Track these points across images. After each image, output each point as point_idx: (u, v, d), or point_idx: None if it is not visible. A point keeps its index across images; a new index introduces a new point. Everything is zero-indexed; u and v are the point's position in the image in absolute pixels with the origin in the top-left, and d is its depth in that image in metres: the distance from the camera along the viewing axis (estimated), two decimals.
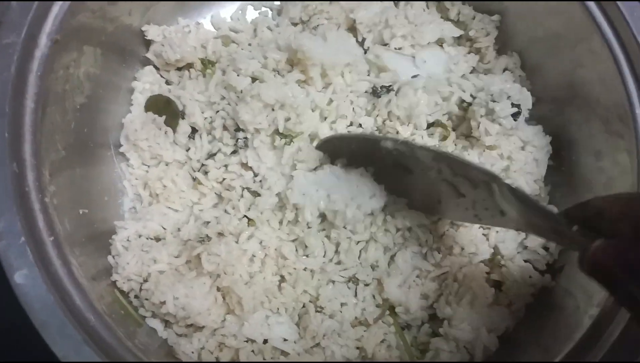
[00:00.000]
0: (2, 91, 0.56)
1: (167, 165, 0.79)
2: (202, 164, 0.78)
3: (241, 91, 0.75)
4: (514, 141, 0.78)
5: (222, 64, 0.81)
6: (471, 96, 0.77)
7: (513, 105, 0.75)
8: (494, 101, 0.73)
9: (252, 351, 0.70)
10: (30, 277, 0.50)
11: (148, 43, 0.82)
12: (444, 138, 0.78)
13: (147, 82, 0.81)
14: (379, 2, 0.87)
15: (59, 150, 0.63)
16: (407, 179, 0.69)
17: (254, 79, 0.76)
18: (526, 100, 0.77)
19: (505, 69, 0.87)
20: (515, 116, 0.76)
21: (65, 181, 0.62)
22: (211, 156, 0.78)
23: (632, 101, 0.69)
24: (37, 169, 0.57)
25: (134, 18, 0.79)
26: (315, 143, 0.75)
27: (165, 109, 0.79)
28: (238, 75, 0.77)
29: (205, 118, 0.79)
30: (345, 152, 0.73)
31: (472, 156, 0.76)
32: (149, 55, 0.82)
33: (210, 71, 0.82)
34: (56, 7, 0.61)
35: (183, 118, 0.80)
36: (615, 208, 0.52)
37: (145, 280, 0.70)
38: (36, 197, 0.55)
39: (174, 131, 0.79)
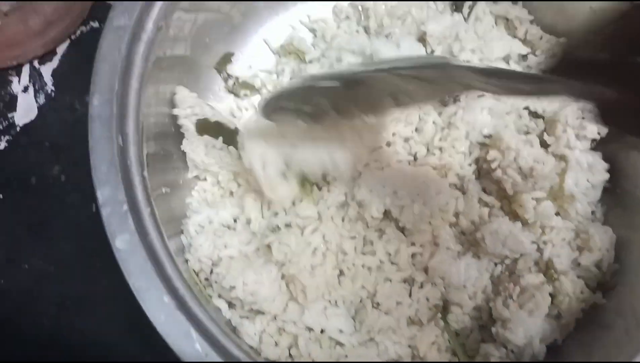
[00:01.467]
0: (114, 70, 0.60)
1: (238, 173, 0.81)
2: None
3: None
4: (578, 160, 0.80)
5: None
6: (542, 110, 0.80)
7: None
8: (583, 118, 0.76)
9: (310, 339, 0.73)
10: (131, 243, 0.54)
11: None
12: None
13: (187, 107, 0.78)
14: (449, 16, 0.91)
15: (153, 131, 0.67)
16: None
17: None
18: (603, 130, 0.79)
19: None
20: (593, 140, 0.80)
21: (155, 160, 0.66)
22: None
23: None
24: (138, 145, 0.61)
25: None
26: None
27: (218, 131, 0.80)
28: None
29: None
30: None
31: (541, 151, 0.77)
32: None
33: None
34: None
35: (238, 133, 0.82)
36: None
37: (215, 264, 0.73)
38: (137, 170, 0.59)
39: (236, 147, 0.80)
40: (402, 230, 0.78)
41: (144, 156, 0.62)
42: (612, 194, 0.84)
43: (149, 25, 0.64)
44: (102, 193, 0.55)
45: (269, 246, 0.73)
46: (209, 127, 0.78)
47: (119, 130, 0.59)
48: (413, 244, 0.77)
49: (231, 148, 0.79)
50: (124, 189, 0.56)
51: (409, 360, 0.74)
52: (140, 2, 0.63)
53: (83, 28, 0.94)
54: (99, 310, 0.79)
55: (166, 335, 0.52)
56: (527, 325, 0.72)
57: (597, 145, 0.83)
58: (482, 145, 0.83)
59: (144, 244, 0.55)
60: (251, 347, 0.69)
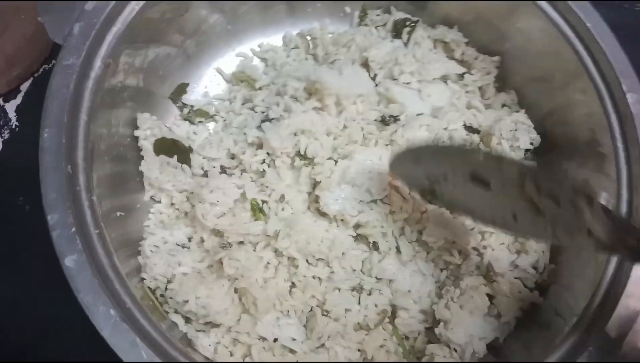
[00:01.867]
0: (62, 105, 0.65)
1: (191, 193, 0.85)
2: None
3: (270, 120, 0.84)
4: None
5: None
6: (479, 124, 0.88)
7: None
8: (516, 130, 0.82)
9: (263, 348, 0.77)
10: (78, 262, 0.58)
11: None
12: None
13: (147, 129, 0.84)
14: (389, 42, 0.97)
15: (104, 159, 0.72)
16: (481, 193, 0.66)
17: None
18: (536, 139, 0.86)
19: (503, 105, 0.96)
20: (527, 151, 0.87)
21: (107, 186, 0.71)
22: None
23: (613, 134, 0.77)
24: (87, 173, 0.66)
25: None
26: (390, 160, 0.74)
27: (173, 149, 0.85)
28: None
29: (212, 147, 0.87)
30: (419, 172, 0.71)
31: None
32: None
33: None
34: (110, 35, 0.71)
35: (192, 152, 0.87)
36: None
37: (170, 281, 0.77)
38: (85, 196, 0.64)
39: (189, 165, 0.86)
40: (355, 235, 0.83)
41: (94, 182, 0.66)
42: None
43: (97, 63, 0.70)
44: (52, 218, 0.60)
45: (220, 262, 0.77)
46: (165, 146, 0.84)
47: (68, 160, 0.63)
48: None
49: (185, 166, 0.84)
50: (72, 213, 0.61)
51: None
52: (88, 42, 0.68)
53: (45, 66, 0.99)
54: (70, 333, 0.82)
55: (113, 345, 0.56)
56: (467, 325, 0.77)
57: (533, 155, 0.90)
58: None
59: (92, 263, 0.59)
60: (206, 358, 0.73)
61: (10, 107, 0.96)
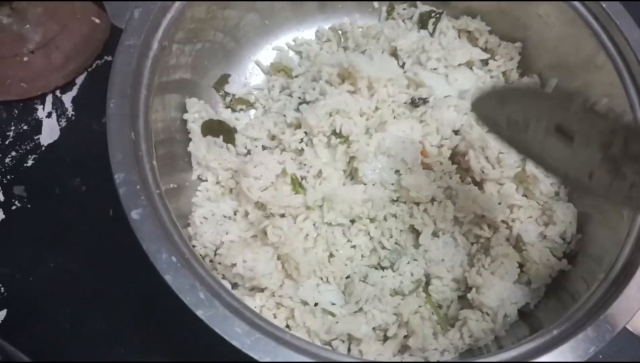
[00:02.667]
0: (125, 79, 0.72)
1: (235, 171, 0.91)
2: None
3: (307, 103, 0.91)
4: None
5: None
6: None
7: None
8: None
9: (305, 311, 0.81)
10: (143, 215, 0.64)
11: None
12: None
13: (195, 112, 0.91)
14: (416, 32, 1.04)
15: (159, 133, 0.78)
16: (560, 146, 0.62)
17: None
18: None
19: None
20: None
21: (163, 157, 0.77)
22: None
23: (634, 107, 0.81)
24: (147, 141, 0.72)
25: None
26: (473, 98, 0.71)
27: (219, 130, 0.93)
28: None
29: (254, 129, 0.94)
30: (501, 115, 0.66)
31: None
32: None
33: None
34: (165, 21, 0.79)
35: (237, 132, 0.95)
36: None
37: (218, 248, 0.83)
38: (147, 160, 0.70)
39: (234, 145, 0.94)
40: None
41: (153, 149, 0.73)
42: None
43: (154, 44, 0.77)
44: (119, 176, 0.66)
45: (264, 232, 0.82)
46: (212, 127, 0.91)
47: (131, 127, 0.70)
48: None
49: (230, 145, 0.90)
50: (137, 173, 0.67)
51: (395, 328, 0.81)
52: (147, 25, 0.76)
53: (98, 62, 1.07)
54: (114, 303, 0.89)
55: (175, 288, 0.61)
56: (498, 289, 0.81)
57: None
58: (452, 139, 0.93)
59: (154, 216, 0.65)
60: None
61: (67, 99, 1.04)
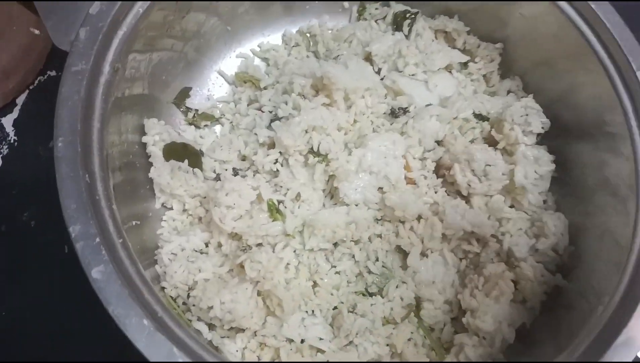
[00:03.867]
0: (74, 112, 0.63)
1: (204, 197, 0.83)
2: None
3: (280, 119, 0.83)
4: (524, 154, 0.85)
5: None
6: (487, 112, 0.87)
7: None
8: (527, 115, 0.82)
9: (291, 349, 0.75)
10: (106, 273, 0.56)
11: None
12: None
13: (155, 134, 0.84)
14: (391, 35, 0.97)
15: (115, 159, 0.70)
16: None
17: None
18: (547, 123, 0.86)
19: (509, 92, 0.96)
20: (538, 135, 0.86)
21: (121, 185, 0.69)
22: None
23: (627, 113, 0.78)
24: (105, 181, 0.63)
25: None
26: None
27: (184, 153, 0.84)
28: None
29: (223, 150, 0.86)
30: None
31: (490, 152, 0.83)
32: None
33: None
34: (117, 39, 0.69)
35: (203, 155, 0.87)
36: None
37: (192, 288, 0.75)
38: (105, 204, 0.62)
39: (201, 169, 0.85)
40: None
41: (111, 189, 0.64)
42: (563, 183, 0.90)
43: (106, 68, 0.68)
44: (74, 229, 0.57)
45: (241, 266, 0.75)
46: (175, 151, 0.83)
47: (85, 168, 0.61)
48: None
49: (197, 170, 0.82)
50: (94, 223, 0.58)
51: (388, 360, 0.76)
52: (95, 47, 0.66)
53: (41, 77, 0.97)
54: (80, 346, 0.80)
55: (150, 356, 0.54)
56: (495, 312, 0.77)
57: (543, 140, 0.90)
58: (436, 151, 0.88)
59: (119, 273, 0.57)
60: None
61: (7, 122, 0.93)
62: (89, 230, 0.58)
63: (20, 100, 0.95)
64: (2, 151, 0.91)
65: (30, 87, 0.96)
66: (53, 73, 0.97)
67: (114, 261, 0.58)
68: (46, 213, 0.87)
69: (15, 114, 0.94)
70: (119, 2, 0.69)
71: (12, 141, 0.92)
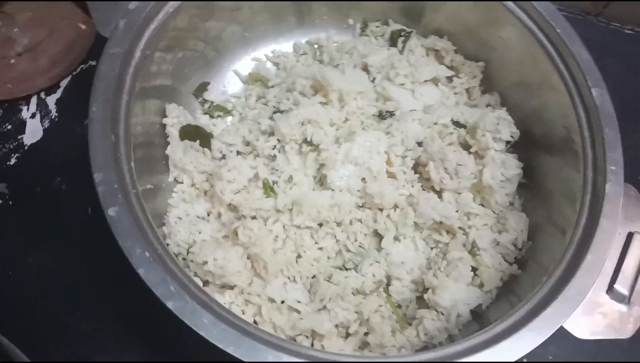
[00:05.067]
0: (108, 85, 0.77)
1: (210, 174, 0.96)
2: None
3: (281, 112, 0.96)
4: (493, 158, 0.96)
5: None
6: (465, 121, 0.99)
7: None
8: (498, 124, 0.93)
9: (272, 308, 0.86)
10: (119, 212, 0.69)
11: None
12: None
13: (174, 117, 0.96)
14: (386, 50, 1.10)
15: (139, 136, 0.83)
16: None
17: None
18: (516, 133, 0.97)
19: (487, 105, 1.08)
20: (507, 143, 0.97)
21: (141, 159, 0.82)
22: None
23: (580, 123, 0.88)
24: (126, 143, 0.77)
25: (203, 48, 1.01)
26: None
27: (197, 134, 0.97)
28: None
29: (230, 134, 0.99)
30: None
31: (462, 154, 0.94)
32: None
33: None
34: (148, 31, 0.84)
35: (213, 138, 1.00)
36: None
37: (191, 246, 0.88)
38: (125, 161, 0.75)
39: (210, 149, 0.98)
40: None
41: (132, 151, 0.77)
42: (529, 189, 1.00)
43: (137, 53, 0.82)
44: (98, 176, 0.71)
45: (235, 232, 0.87)
46: (189, 132, 0.96)
47: (112, 130, 0.75)
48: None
49: (206, 149, 0.95)
50: (114, 173, 0.72)
51: (356, 326, 0.86)
52: (130, 35, 0.81)
53: (83, 66, 1.12)
54: (90, 299, 0.93)
55: (147, 281, 0.66)
56: (452, 291, 0.87)
57: (515, 149, 1.00)
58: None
59: (130, 214, 0.70)
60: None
61: (51, 100, 1.08)
62: (110, 178, 0.71)
63: (63, 83, 1.10)
64: (44, 124, 1.06)
65: (73, 73, 1.11)
66: (94, 63, 1.12)
67: (127, 204, 0.70)
68: (75, 179, 1.01)
69: (58, 94, 1.09)
70: (153, 2, 0.84)
71: (53, 117, 1.07)
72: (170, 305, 0.65)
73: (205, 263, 0.84)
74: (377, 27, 1.15)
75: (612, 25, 1.33)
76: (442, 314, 0.87)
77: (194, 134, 0.96)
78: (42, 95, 1.09)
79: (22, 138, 1.04)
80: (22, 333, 0.88)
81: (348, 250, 0.92)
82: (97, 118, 0.74)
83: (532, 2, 0.95)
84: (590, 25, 1.32)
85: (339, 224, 0.93)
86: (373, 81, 1.06)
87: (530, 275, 0.91)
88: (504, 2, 0.99)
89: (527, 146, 1.01)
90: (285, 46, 1.15)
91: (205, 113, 1.05)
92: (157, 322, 0.88)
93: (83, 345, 0.90)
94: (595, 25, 1.33)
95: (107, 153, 0.73)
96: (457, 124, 1.01)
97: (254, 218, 0.91)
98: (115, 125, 0.76)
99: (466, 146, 1.00)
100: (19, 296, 0.92)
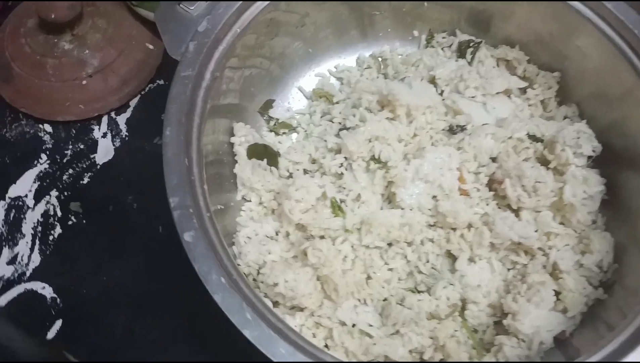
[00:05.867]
0: (180, 108, 0.77)
1: (278, 193, 0.95)
2: None
3: (347, 129, 0.94)
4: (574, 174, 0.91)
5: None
6: (542, 134, 0.95)
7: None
8: (578, 138, 0.89)
9: (343, 331, 0.84)
10: (195, 237, 0.69)
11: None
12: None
13: (242, 136, 0.96)
14: (454, 61, 1.06)
15: (208, 155, 0.83)
16: None
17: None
18: (598, 147, 0.92)
19: (565, 117, 1.02)
20: (589, 157, 0.92)
21: (211, 177, 0.82)
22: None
23: None
24: (199, 165, 0.77)
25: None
26: None
27: (264, 153, 0.97)
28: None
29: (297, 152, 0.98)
30: None
31: (541, 170, 0.89)
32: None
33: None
34: (217, 53, 0.84)
35: (280, 156, 0.99)
36: None
37: (261, 267, 0.87)
38: (198, 184, 0.75)
39: (277, 168, 0.97)
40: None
41: (204, 174, 0.78)
42: (613, 206, 0.94)
43: (207, 75, 0.83)
44: (174, 200, 0.71)
45: (305, 252, 0.86)
46: (257, 151, 0.96)
47: (185, 153, 0.75)
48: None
49: (273, 168, 0.95)
50: (189, 197, 0.72)
51: (431, 352, 0.83)
52: (200, 58, 0.81)
53: (151, 85, 1.14)
54: (165, 313, 0.93)
55: (224, 307, 0.65)
56: (534, 316, 0.82)
57: (595, 165, 0.95)
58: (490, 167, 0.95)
59: (205, 238, 0.70)
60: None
61: (121, 120, 1.10)
62: (185, 202, 0.71)
63: (133, 103, 1.12)
64: (115, 143, 1.08)
65: (142, 93, 1.13)
66: (162, 82, 1.14)
67: (202, 228, 0.70)
68: (146, 198, 1.02)
69: (128, 114, 1.11)
70: (222, 23, 0.84)
71: (124, 136, 1.09)
72: (246, 333, 0.64)
73: (276, 284, 0.83)
74: (444, 38, 1.11)
75: None
76: (523, 341, 0.83)
77: (261, 152, 0.96)
78: (113, 115, 1.11)
79: (94, 157, 1.07)
80: (93, 352, 0.90)
81: (420, 272, 0.89)
82: (171, 142, 0.74)
83: (604, 2, 0.89)
84: None
85: (409, 244, 0.90)
86: (441, 94, 1.03)
87: (617, 299, 0.85)
88: (576, 4, 0.93)
89: (607, 160, 0.94)
90: (348, 60, 1.13)
91: (271, 131, 1.05)
92: (229, 344, 0.87)
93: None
94: None
95: (182, 176, 0.73)
96: (533, 138, 0.97)
97: (322, 237, 0.90)
98: (188, 147, 0.76)
99: (543, 162, 0.95)
100: (91, 314, 0.94)
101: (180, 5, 0.85)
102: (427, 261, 0.90)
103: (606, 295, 0.85)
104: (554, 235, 0.90)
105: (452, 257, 0.91)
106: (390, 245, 0.90)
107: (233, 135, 0.96)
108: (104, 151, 1.08)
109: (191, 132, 0.78)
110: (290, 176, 0.97)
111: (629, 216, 0.91)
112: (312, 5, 1.00)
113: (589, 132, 0.94)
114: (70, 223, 1.01)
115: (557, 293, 0.86)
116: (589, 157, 0.92)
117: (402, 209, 0.91)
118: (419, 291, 0.89)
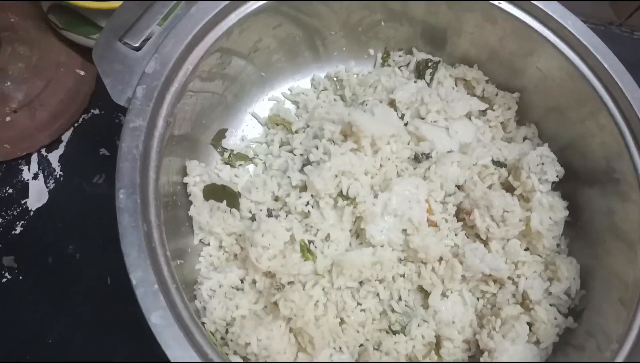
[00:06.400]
0: (133, 166, 0.68)
1: (240, 235, 0.89)
2: None
3: (311, 163, 0.89)
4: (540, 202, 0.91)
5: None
6: (504, 158, 0.94)
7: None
8: (542, 164, 0.88)
9: None
10: (164, 317, 0.62)
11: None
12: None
13: (196, 176, 0.89)
14: (413, 83, 1.03)
15: (164, 201, 0.75)
16: None
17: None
18: (561, 171, 0.92)
19: (525, 138, 1.02)
20: (553, 183, 0.92)
21: (166, 222, 0.74)
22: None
23: (634, 160, 0.83)
24: (160, 229, 0.69)
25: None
26: None
27: (223, 194, 0.90)
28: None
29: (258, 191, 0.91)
30: None
31: (508, 199, 0.88)
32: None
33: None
34: (169, 95, 0.76)
35: (240, 197, 0.92)
36: None
37: (229, 324, 0.81)
38: (161, 251, 0.67)
39: (238, 209, 0.90)
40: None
41: (164, 235, 0.70)
42: (574, 227, 0.95)
43: (160, 122, 0.74)
44: (135, 276, 0.63)
45: (275, 304, 0.81)
46: (215, 192, 0.88)
47: (143, 218, 0.67)
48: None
49: (234, 210, 0.88)
50: (153, 270, 0.64)
51: None
52: (151, 104, 0.72)
53: (85, 116, 1.02)
54: None
55: None
56: (510, 353, 0.82)
57: (557, 185, 0.95)
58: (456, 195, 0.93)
59: (175, 317, 0.63)
60: None
61: (54, 157, 0.99)
62: (148, 277, 0.63)
63: (65, 137, 1.00)
64: (48, 185, 0.97)
65: (75, 125, 1.01)
66: (97, 111, 1.03)
67: (170, 305, 0.63)
68: (90, 246, 0.92)
69: (60, 150, 0.99)
70: (172, 62, 0.75)
71: (58, 176, 0.98)
72: None
73: (248, 344, 0.77)
74: (400, 56, 1.07)
75: (635, 34, 1.28)
76: None
77: (220, 194, 0.89)
78: (44, 152, 0.99)
79: (25, 202, 0.95)
80: None
81: (393, 310, 0.87)
82: (126, 207, 0.66)
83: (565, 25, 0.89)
84: (614, 36, 1.27)
85: (380, 281, 0.87)
86: (402, 118, 0.99)
87: (586, 325, 0.87)
88: (536, 25, 0.92)
89: (567, 178, 0.95)
90: (302, 82, 1.07)
91: (226, 163, 0.97)
92: None
93: None
94: (618, 35, 1.28)
95: (141, 246, 0.65)
96: (497, 163, 0.96)
97: (291, 283, 0.84)
98: (146, 210, 0.68)
99: (508, 187, 0.94)
100: None
101: (123, 41, 0.74)
102: (400, 299, 0.87)
103: (576, 323, 0.87)
104: (521, 263, 0.90)
105: (424, 292, 0.89)
106: (361, 283, 0.87)
107: (186, 174, 0.88)
108: (37, 195, 0.96)
109: (147, 191, 0.69)
110: (253, 217, 0.90)
111: (591, 236, 0.93)
112: (265, 30, 0.93)
113: (552, 156, 0.94)
114: (4, 280, 0.90)
115: (529, 324, 0.87)
116: (553, 182, 0.93)
117: (373, 246, 0.88)
118: (393, 332, 0.86)
